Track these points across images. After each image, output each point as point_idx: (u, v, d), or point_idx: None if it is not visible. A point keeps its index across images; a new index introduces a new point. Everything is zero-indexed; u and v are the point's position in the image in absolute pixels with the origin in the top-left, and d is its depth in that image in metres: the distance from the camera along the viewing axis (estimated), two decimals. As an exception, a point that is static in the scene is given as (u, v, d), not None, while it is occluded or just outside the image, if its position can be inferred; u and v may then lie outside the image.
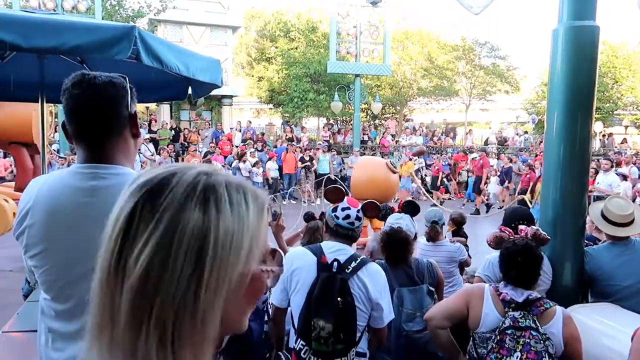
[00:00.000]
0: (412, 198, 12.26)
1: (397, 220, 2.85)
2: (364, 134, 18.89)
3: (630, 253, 2.90)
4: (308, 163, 14.56)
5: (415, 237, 2.91)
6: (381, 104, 20.38)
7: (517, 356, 1.96)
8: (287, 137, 17.37)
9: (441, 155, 17.64)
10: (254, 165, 13.70)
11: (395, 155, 16.61)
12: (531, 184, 11.48)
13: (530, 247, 2.20)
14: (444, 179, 15.89)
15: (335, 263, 2.14)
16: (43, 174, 3.41)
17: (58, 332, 1.37)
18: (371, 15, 16.86)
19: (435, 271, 2.78)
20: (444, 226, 4.03)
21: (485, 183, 14.00)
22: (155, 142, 15.55)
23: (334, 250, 2.20)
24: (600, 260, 2.95)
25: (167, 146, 14.65)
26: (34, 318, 1.55)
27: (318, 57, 21.37)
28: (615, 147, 20.17)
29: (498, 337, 2.02)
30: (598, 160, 10.68)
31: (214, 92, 4.47)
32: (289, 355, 2.25)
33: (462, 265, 3.94)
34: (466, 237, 5.31)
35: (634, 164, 13.92)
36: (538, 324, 2.02)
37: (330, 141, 18.21)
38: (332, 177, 14.20)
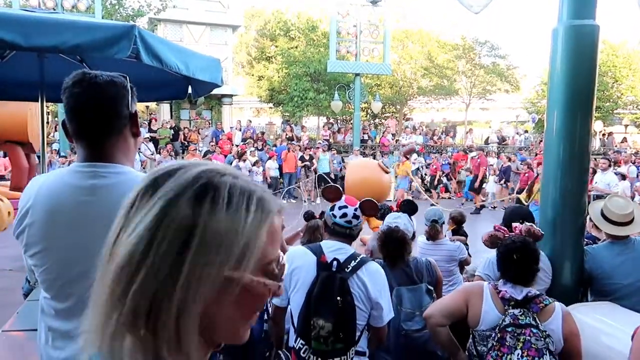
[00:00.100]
0: (412, 197, 12.28)
1: (395, 219, 2.85)
2: (364, 133, 18.88)
3: (629, 252, 2.90)
4: (307, 163, 14.56)
5: (414, 236, 2.91)
6: (381, 103, 20.38)
7: (518, 354, 1.96)
8: (287, 136, 17.36)
9: (441, 155, 17.64)
10: (253, 165, 13.70)
11: (395, 154, 16.62)
12: (530, 183, 11.49)
13: (528, 244, 2.21)
14: (442, 178, 15.91)
15: (335, 262, 2.14)
16: (43, 173, 3.41)
17: (58, 331, 1.37)
18: (371, 14, 16.86)
19: (434, 270, 2.78)
20: (444, 225, 4.04)
21: (484, 182, 14.01)
22: (155, 141, 15.55)
23: (334, 249, 2.20)
24: (600, 259, 2.95)
25: (166, 145, 14.65)
26: (34, 317, 1.55)
27: (318, 56, 21.36)
28: (615, 146, 20.16)
29: (498, 335, 2.02)
30: (595, 160, 10.68)
31: (214, 91, 4.47)
32: (288, 354, 2.25)
33: (462, 264, 3.94)
34: (466, 235, 5.31)
35: (633, 163, 13.92)
36: (538, 321, 2.03)
37: (330, 140, 18.21)
38: (332, 175, 14.22)
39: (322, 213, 3.41)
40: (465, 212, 6.06)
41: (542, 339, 1.98)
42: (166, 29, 20.08)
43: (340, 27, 16.67)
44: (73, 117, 1.35)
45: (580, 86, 2.90)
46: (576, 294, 3.00)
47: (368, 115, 24.03)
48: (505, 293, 2.11)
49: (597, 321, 2.56)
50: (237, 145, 16.02)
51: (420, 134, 19.74)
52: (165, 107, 20.46)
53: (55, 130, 15.33)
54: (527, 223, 2.50)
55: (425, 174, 16.17)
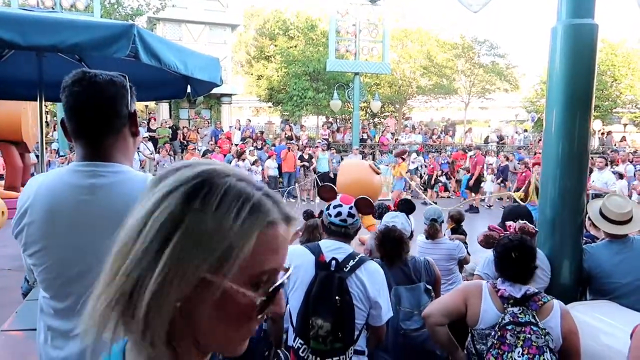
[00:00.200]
0: (412, 197, 12.29)
1: (393, 218, 2.85)
2: (363, 133, 18.87)
3: (628, 251, 2.90)
4: (306, 163, 14.55)
5: (412, 235, 2.91)
6: (380, 102, 20.37)
7: (519, 351, 1.97)
8: (286, 135, 17.36)
9: (440, 154, 17.65)
10: (252, 164, 13.69)
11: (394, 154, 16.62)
12: (527, 182, 11.50)
13: (525, 242, 2.21)
14: (441, 178, 15.92)
15: (334, 262, 2.14)
16: (42, 172, 3.41)
17: (57, 330, 1.37)
18: (370, 13, 16.84)
19: (432, 269, 2.78)
20: (443, 224, 4.04)
21: (481, 181, 14.02)
22: (154, 140, 15.54)
23: (332, 248, 2.20)
24: (598, 258, 2.95)
25: (165, 144, 14.65)
26: (33, 316, 1.55)
27: (317, 56, 21.36)
28: (615, 145, 20.18)
29: (499, 333, 2.03)
30: (592, 158, 10.69)
31: (213, 91, 4.47)
32: (287, 354, 2.25)
33: (462, 262, 3.95)
34: (465, 234, 5.32)
35: (630, 161, 13.94)
36: (537, 319, 2.03)
37: (330, 139, 18.20)
38: (331, 175, 14.21)
39: (321, 212, 3.41)
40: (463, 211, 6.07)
41: (542, 336, 1.98)
42: (165, 28, 20.07)
43: (339, 26, 16.65)
44: (72, 116, 1.35)
45: (579, 85, 2.90)
46: (575, 292, 3.00)
47: (367, 115, 24.04)
48: (504, 291, 2.11)
49: (596, 320, 2.56)
50: (236, 145, 16.00)
51: (419, 133, 19.74)
52: (164, 107, 20.45)
53: (54, 130, 15.31)
54: (520, 221, 2.51)
55: (424, 173, 16.19)
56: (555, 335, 2.03)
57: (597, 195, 8.05)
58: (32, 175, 11.20)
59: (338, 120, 23.99)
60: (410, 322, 2.55)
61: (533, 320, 2.02)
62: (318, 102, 20.76)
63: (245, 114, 29.28)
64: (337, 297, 2.06)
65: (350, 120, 20.05)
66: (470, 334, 2.22)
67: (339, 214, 2.24)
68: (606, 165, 10.14)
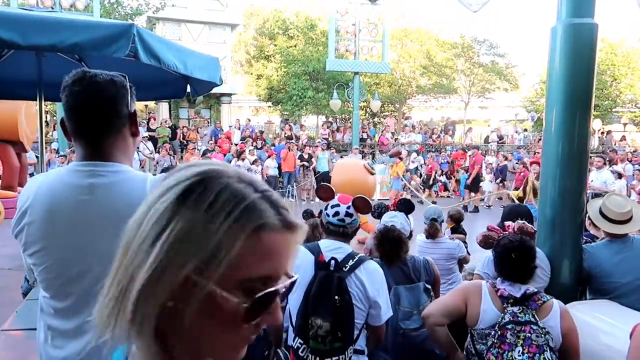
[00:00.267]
0: (411, 196, 12.29)
1: (392, 218, 2.85)
2: (363, 132, 18.87)
3: (628, 250, 2.90)
4: (306, 162, 14.56)
5: (411, 235, 2.91)
6: (380, 102, 20.35)
7: (519, 350, 1.97)
8: (286, 135, 17.35)
9: (440, 154, 17.65)
10: (252, 163, 13.69)
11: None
12: (524, 181, 11.49)
13: (525, 242, 2.22)
14: (440, 177, 15.92)
15: (333, 261, 2.14)
16: (42, 172, 3.41)
17: (57, 330, 1.37)
18: (370, 12, 16.82)
19: (431, 268, 2.78)
20: (443, 223, 4.04)
21: (480, 180, 14.02)
22: (154, 140, 15.53)
23: (332, 248, 2.20)
24: (598, 258, 2.95)
25: (164, 144, 14.64)
26: (33, 316, 1.55)
27: (317, 55, 21.35)
28: (615, 144, 20.19)
29: (499, 333, 2.03)
30: (591, 158, 10.67)
31: (213, 90, 4.47)
32: (287, 353, 2.26)
33: (462, 262, 3.95)
34: (465, 233, 5.32)
35: (629, 161, 13.94)
36: (537, 318, 2.03)
37: (329, 139, 18.20)
38: (331, 174, 14.20)
39: (321, 212, 3.41)
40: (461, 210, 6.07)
41: (542, 335, 1.99)
42: (165, 27, 20.06)
43: (339, 26, 16.64)
44: (72, 116, 1.35)
45: (579, 84, 2.90)
46: (575, 292, 3.00)
47: (367, 114, 24.04)
48: (504, 291, 2.11)
49: (596, 319, 2.56)
50: (236, 144, 16.00)
51: (419, 132, 19.74)
52: (164, 106, 20.44)
53: (54, 129, 15.30)
54: (519, 221, 2.51)
55: (423, 173, 16.19)
56: (555, 334, 2.04)
57: (596, 195, 8.05)
58: (32, 175, 11.20)
59: (338, 120, 23.99)
60: (410, 322, 2.55)
61: (533, 320, 2.02)
62: (318, 102, 20.76)
63: (244, 113, 29.27)
64: (336, 297, 2.06)
65: (350, 120, 20.04)
66: (469, 334, 2.22)
67: (336, 213, 2.24)
68: (604, 164, 10.14)
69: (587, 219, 3.22)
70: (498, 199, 14.09)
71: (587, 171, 3.13)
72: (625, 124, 26.75)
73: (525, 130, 23.54)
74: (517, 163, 13.76)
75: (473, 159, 14.07)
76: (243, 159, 13.69)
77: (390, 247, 2.61)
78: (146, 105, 21.43)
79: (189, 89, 4.05)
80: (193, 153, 13.84)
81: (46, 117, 17.89)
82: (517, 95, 28.87)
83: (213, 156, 13.72)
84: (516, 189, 11.80)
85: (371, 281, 2.15)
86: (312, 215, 3.58)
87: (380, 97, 20.39)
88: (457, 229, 5.36)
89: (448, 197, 15.49)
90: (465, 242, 4.77)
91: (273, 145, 16.18)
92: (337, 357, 2.09)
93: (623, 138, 22.07)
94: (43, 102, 3.65)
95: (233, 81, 23.06)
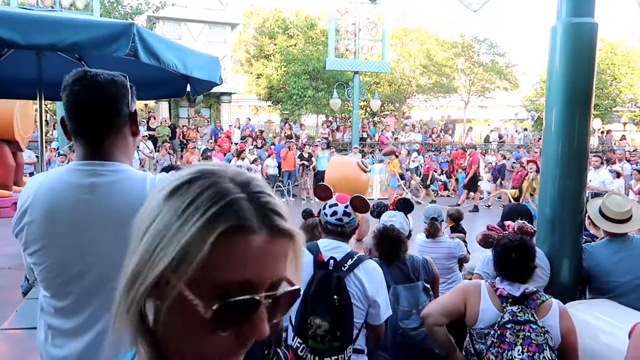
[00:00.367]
0: (411, 196, 12.30)
1: (391, 217, 2.85)
2: (362, 131, 18.87)
3: (628, 249, 2.91)
4: (306, 162, 14.55)
5: (410, 234, 2.92)
6: (380, 101, 20.35)
7: (519, 350, 1.97)
8: (286, 134, 17.35)
9: (440, 153, 17.64)
10: (252, 163, 13.69)
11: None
12: (520, 180, 11.50)
13: (525, 242, 2.22)
14: (440, 177, 15.92)
15: (332, 261, 2.14)
16: (42, 171, 3.41)
17: (58, 329, 1.37)
18: (370, 12, 16.81)
19: (430, 268, 2.78)
20: (443, 222, 4.04)
21: (478, 179, 14.02)
22: (154, 139, 15.52)
23: (331, 248, 2.20)
24: (598, 257, 2.95)
25: (164, 143, 14.63)
26: (33, 315, 1.55)
27: (317, 54, 21.34)
28: (614, 143, 20.19)
29: (498, 332, 2.03)
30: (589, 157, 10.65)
31: (213, 89, 4.46)
32: (287, 352, 2.26)
33: (462, 261, 3.95)
34: (464, 233, 5.32)
35: (628, 160, 13.93)
36: (536, 317, 2.04)
37: (329, 138, 18.20)
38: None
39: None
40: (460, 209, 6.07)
41: (542, 334, 1.99)
42: (165, 26, 20.03)
43: (339, 25, 16.63)
44: (73, 115, 1.35)
45: (579, 84, 2.90)
46: (574, 291, 3.01)
47: (367, 113, 24.03)
48: (503, 290, 2.11)
49: (595, 319, 2.57)
50: (235, 144, 15.99)
51: (419, 131, 19.74)
52: (164, 105, 20.42)
53: (54, 129, 15.30)
54: (519, 220, 2.51)
55: (422, 172, 16.21)
56: (554, 333, 2.04)
57: (596, 194, 8.06)
58: (32, 174, 11.20)
59: (338, 119, 23.98)
60: (409, 321, 2.55)
61: (532, 319, 2.03)
62: (318, 101, 20.75)
63: (244, 112, 29.27)
64: (335, 296, 2.07)
65: (350, 119, 20.03)
66: (469, 334, 2.22)
67: (334, 213, 2.24)
68: (602, 164, 10.14)
69: (586, 218, 3.23)
70: (497, 198, 14.10)
71: (587, 171, 3.14)
72: (625, 124, 26.76)
73: (525, 129, 23.54)
74: (514, 162, 13.76)
75: (470, 158, 14.07)
76: (243, 158, 13.68)
77: (389, 246, 2.61)
78: (146, 105, 21.41)
79: (188, 88, 4.05)
80: (193, 152, 13.83)
81: (46, 117, 17.88)
82: (517, 94, 28.87)
83: (213, 155, 13.72)
84: (514, 188, 11.82)
85: (370, 280, 2.15)
86: (312, 215, 3.58)
87: (380, 97, 20.38)
88: (456, 228, 5.36)
89: (448, 196, 15.48)
90: (465, 241, 4.78)
91: (273, 144, 16.17)
92: (336, 357, 2.09)
93: (623, 137, 22.08)
94: (43, 101, 3.65)
95: (233, 80, 23.03)
